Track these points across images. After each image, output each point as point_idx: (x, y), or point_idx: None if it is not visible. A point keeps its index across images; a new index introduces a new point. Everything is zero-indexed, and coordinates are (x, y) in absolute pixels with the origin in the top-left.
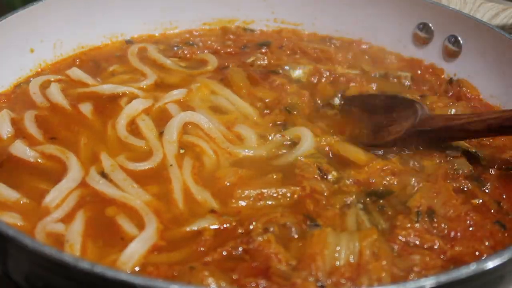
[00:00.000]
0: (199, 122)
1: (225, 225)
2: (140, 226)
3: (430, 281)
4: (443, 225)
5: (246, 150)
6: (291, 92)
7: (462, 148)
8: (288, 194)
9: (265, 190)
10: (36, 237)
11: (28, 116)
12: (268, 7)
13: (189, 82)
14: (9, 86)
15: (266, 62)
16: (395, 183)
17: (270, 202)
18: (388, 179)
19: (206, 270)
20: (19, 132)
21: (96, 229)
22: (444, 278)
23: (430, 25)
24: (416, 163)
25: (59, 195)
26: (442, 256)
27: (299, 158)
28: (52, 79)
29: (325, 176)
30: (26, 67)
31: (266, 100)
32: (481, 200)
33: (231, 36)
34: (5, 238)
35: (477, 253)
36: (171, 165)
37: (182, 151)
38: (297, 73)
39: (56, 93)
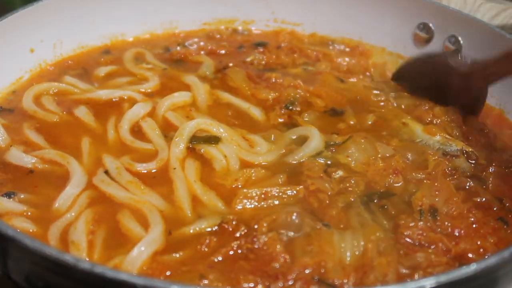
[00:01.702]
0: (214, 130)
1: (229, 225)
2: (147, 227)
3: (430, 281)
4: (446, 223)
5: (261, 158)
6: (287, 86)
7: (460, 147)
8: (293, 193)
9: (269, 189)
10: (50, 242)
11: (26, 124)
12: (268, 7)
13: (187, 86)
14: (8, 86)
15: (264, 61)
16: (397, 182)
17: (274, 202)
18: (390, 178)
19: (209, 270)
20: (18, 138)
21: (102, 229)
22: (444, 278)
23: (431, 25)
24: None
25: (66, 203)
26: (447, 255)
27: (305, 158)
28: (45, 92)
29: (330, 175)
30: (26, 67)
31: (270, 96)
32: (484, 199)
33: (226, 37)
34: (5, 238)
35: (481, 250)
36: (175, 168)
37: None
38: (297, 71)
39: (48, 104)
